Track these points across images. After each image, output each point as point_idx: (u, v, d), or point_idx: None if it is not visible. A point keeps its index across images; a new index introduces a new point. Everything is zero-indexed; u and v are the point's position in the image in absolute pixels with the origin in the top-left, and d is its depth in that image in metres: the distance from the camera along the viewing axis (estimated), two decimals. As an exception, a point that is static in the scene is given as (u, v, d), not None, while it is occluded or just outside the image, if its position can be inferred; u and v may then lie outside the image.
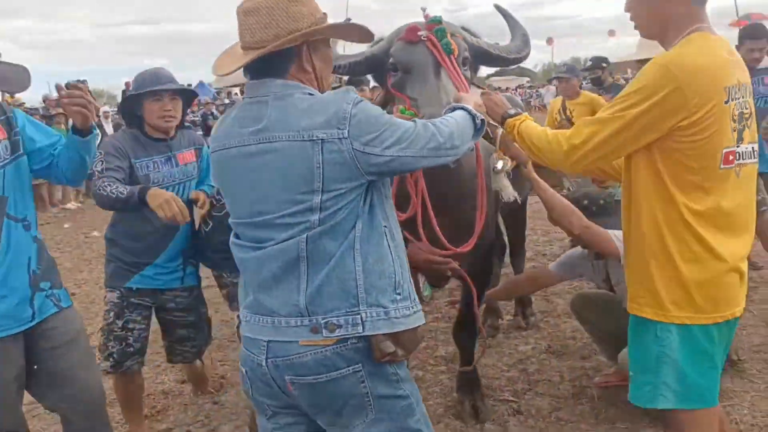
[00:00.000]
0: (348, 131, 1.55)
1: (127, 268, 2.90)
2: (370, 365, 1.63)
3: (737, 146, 1.77)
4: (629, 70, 12.94)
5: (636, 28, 1.91)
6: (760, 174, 3.19)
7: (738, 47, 4.35)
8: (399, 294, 1.66)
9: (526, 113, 2.11)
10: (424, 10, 2.38)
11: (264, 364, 1.65)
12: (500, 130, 2.26)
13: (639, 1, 1.86)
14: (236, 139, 1.67)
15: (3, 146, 2.14)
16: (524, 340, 4.13)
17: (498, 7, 2.77)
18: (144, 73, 2.88)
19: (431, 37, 2.28)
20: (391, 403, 1.69)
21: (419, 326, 1.70)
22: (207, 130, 17.85)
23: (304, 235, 1.60)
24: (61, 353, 2.26)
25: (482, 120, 1.83)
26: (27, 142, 2.22)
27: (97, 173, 2.59)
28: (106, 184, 2.56)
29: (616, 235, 2.98)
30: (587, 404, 3.24)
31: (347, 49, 2.85)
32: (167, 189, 2.69)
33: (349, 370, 1.61)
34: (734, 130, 1.76)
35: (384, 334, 1.61)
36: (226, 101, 20.97)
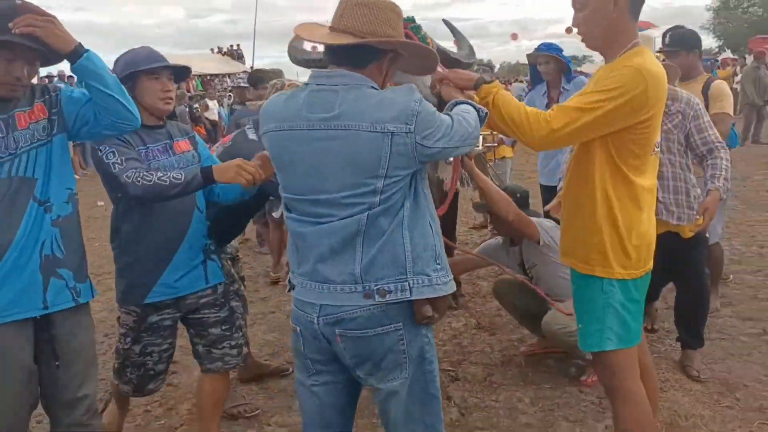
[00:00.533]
0: (414, 127, 1.74)
1: (142, 280, 2.53)
2: (409, 326, 1.85)
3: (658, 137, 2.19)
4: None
5: (583, 41, 2.18)
6: None
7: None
8: (439, 264, 1.87)
9: (496, 81, 2.22)
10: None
11: (315, 321, 1.84)
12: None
13: (587, 19, 2.11)
14: (304, 122, 1.80)
15: (42, 126, 2.14)
16: (456, 319, 4.52)
17: (446, 22, 3.08)
18: (134, 50, 2.58)
19: (409, 33, 2.55)
20: (422, 366, 1.91)
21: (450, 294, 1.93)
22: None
23: (365, 214, 1.78)
24: (66, 360, 2.18)
25: (486, 112, 2.03)
26: (66, 117, 2.20)
27: (118, 167, 2.32)
28: (145, 173, 2.31)
29: (538, 222, 3.45)
30: (516, 369, 3.65)
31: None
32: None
33: (391, 328, 1.83)
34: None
35: (425, 299, 1.83)
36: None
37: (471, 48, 2.88)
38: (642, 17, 2.27)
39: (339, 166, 1.77)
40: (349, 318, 1.81)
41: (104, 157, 2.34)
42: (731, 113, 3.84)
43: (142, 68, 2.47)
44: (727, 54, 26.45)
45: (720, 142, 3.21)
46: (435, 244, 1.87)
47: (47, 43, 1.99)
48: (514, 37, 38.35)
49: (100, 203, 10.41)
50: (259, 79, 5.36)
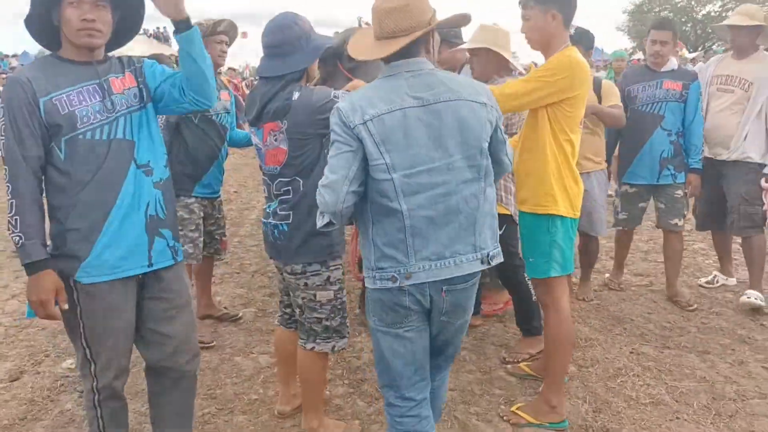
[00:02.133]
0: (492, 102, 2.14)
1: None
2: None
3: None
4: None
5: (528, 43, 2.89)
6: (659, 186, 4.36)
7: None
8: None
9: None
10: (359, 19, 3.32)
11: (429, 288, 2.09)
12: None
13: (530, 28, 2.81)
14: (414, 101, 2.02)
15: (133, 93, 2.27)
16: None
17: None
18: None
19: None
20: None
21: None
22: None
23: (480, 185, 2.10)
24: (171, 315, 2.38)
25: None
26: (149, 89, 2.33)
27: None
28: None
29: None
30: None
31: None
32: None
33: (477, 280, 2.21)
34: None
35: None
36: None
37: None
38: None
39: (452, 134, 2.04)
40: (456, 278, 2.11)
41: None
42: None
43: None
44: (640, 55, 28.32)
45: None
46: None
47: (160, 5, 2.14)
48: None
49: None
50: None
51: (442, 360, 2.39)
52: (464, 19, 2.26)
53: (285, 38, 2.50)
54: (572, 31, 3.65)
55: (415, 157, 2.01)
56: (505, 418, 3.01)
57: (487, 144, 2.10)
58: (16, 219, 2.08)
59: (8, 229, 2.11)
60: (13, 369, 3.66)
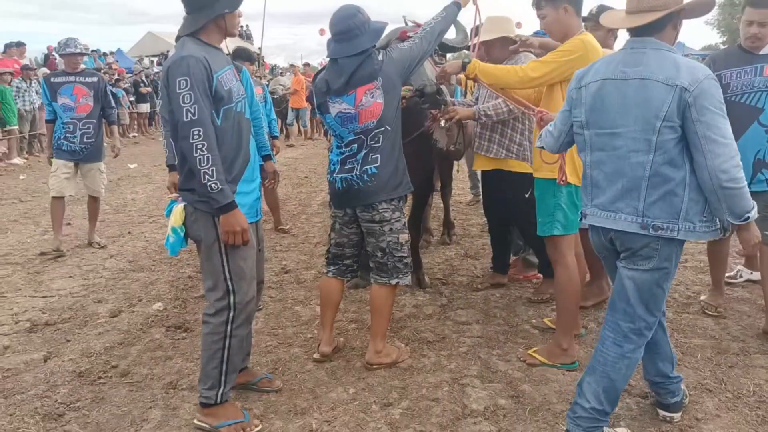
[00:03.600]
0: (694, 92, 2.23)
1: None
2: (664, 244, 2.39)
3: None
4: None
5: (550, 36, 3.32)
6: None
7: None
8: (705, 217, 2.36)
9: (475, 60, 3.47)
10: (405, 17, 3.83)
11: (604, 235, 2.54)
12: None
13: (549, 23, 3.21)
14: (618, 74, 2.39)
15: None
16: (448, 249, 5.71)
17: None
18: None
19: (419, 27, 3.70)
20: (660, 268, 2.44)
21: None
22: (139, 97, 18.55)
23: (649, 157, 2.31)
24: (260, 251, 3.07)
25: None
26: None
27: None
28: None
29: None
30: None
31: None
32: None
33: (651, 239, 2.39)
34: None
35: None
36: (156, 69, 21.51)
37: (465, 33, 3.98)
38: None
39: (633, 107, 2.34)
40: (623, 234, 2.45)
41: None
42: None
43: None
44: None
45: None
46: (704, 202, 2.34)
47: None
48: (519, 25, 39.88)
49: (132, 165, 11.65)
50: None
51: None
52: (708, 6, 2.50)
53: (352, 24, 3.10)
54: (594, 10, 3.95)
55: (604, 121, 2.43)
56: (521, 359, 3.44)
57: (660, 123, 2.29)
58: (212, 169, 2.52)
59: (203, 178, 2.51)
60: (112, 309, 4.38)
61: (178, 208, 2.77)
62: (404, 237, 3.32)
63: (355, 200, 3.26)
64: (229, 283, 2.74)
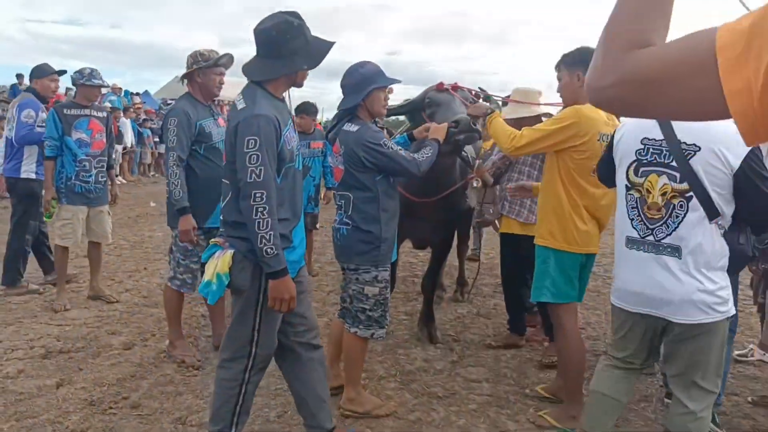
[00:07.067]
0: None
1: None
2: None
3: None
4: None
5: (562, 100, 3.39)
6: None
7: None
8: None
9: (498, 111, 3.56)
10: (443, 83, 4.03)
11: None
12: (478, 161, 3.95)
13: (564, 88, 3.26)
14: None
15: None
16: (460, 306, 5.73)
17: (481, 89, 4.46)
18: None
19: (454, 87, 3.91)
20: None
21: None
22: (161, 137, 18.85)
23: None
24: (303, 297, 2.85)
25: None
26: None
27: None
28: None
29: None
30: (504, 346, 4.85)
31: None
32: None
33: None
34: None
35: None
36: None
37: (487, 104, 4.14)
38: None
39: None
40: None
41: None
42: None
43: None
44: None
45: None
46: None
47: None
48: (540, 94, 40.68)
49: (152, 204, 11.84)
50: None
51: None
52: None
53: (344, 83, 3.24)
54: None
55: None
56: (530, 420, 3.43)
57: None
58: (270, 233, 2.47)
59: (260, 241, 2.47)
60: (126, 341, 4.43)
61: (227, 255, 2.63)
62: (371, 290, 3.23)
63: (336, 251, 3.37)
64: (256, 335, 2.70)
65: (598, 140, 3.17)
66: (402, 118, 4.86)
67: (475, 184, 3.98)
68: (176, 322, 4.22)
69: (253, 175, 2.46)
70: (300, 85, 2.78)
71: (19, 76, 14.79)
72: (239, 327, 2.72)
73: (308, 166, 6.26)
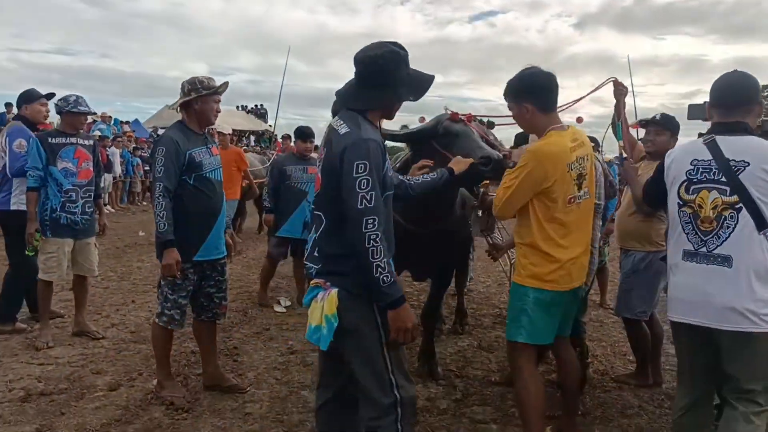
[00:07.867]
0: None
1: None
2: None
3: (577, 192, 2.91)
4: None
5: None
6: None
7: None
8: None
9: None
10: (446, 108, 3.88)
11: None
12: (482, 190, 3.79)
13: (516, 120, 3.07)
14: None
15: None
16: (461, 339, 5.53)
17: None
18: None
19: (467, 118, 3.76)
20: None
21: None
22: (152, 166, 18.69)
23: None
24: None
25: None
26: None
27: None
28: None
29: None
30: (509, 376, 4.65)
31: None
32: None
33: None
34: (575, 184, 2.90)
35: None
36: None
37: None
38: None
39: None
40: None
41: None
42: None
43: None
44: None
45: None
46: None
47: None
48: (579, 120, 41.41)
49: (141, 233, 11.60)
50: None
51: None
52: None
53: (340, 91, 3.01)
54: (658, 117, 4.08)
55: None
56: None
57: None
58: (384, 261, 2.32)
59: (375, 271, 2.30)
60: (111, 382, 4.19)
61: (332, 295, 2.42)
62: None
63: None
64: (393, 378, 2.44)
65: (569, 172, 2.91)
66: (401, 144, 4.71)
67: (479, 213, 3.84)
68: (164, 361, 4.00)
69: (364, 201, 2.30)
70: (392, 117, 2.66)
71: (8, 105, 14.59)
72: (371, 376, 2.45)
73: (305, 191, 6.19)
